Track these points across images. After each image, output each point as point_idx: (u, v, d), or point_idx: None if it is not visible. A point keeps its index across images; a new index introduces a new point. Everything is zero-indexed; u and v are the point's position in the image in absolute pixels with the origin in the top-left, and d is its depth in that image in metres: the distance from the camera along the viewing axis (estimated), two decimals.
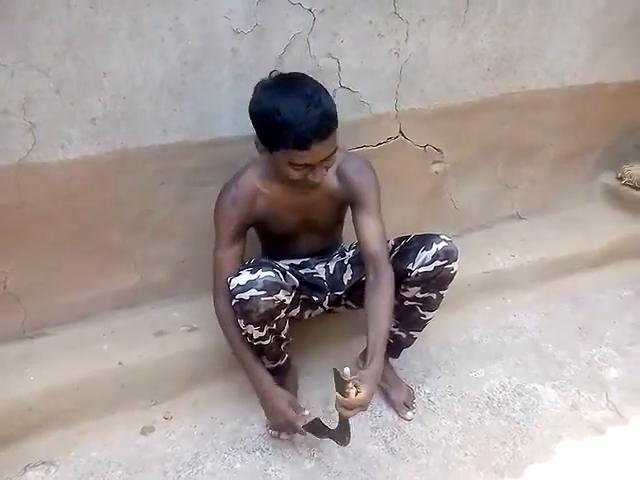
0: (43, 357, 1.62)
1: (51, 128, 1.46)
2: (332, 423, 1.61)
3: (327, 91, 1.29)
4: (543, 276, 2.24)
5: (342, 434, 1.37)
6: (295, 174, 1.31)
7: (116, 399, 1.61)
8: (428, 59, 1.86)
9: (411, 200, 2.12)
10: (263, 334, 1.41)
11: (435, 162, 2.10)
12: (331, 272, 1.67)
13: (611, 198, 2.59)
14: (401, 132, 1.93)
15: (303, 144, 1.22)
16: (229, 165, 1.66)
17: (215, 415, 1.65)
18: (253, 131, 1.64)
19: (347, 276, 1.64)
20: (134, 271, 1.76)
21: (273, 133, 1.25)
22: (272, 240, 1.63)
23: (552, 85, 2.18)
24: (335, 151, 1.32)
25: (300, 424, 1.44)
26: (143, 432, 1.59)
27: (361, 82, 1.77)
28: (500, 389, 1.78)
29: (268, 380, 1.47)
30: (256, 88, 1.31)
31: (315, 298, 1.61)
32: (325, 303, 1.65)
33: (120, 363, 1.61)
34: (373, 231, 1.46)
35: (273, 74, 1.32)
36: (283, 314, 1.41)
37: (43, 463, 1.50)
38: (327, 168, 1.36)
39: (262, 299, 1.31)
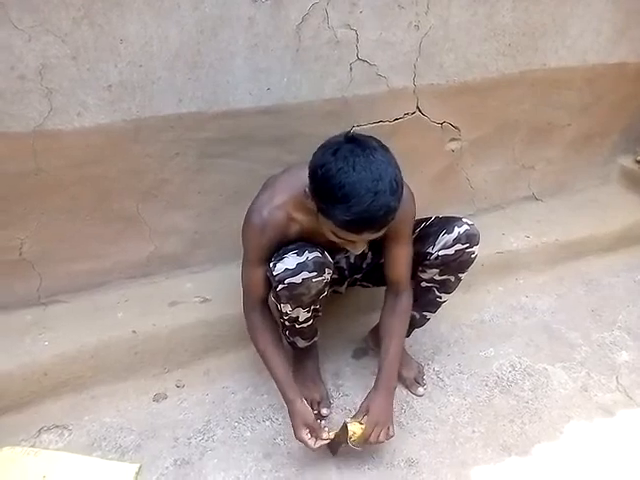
0: (58, 323, 1.65)
1: (67, 95, 1.45)
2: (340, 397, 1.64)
3: (399, 169, 1.15)
4: (557, 258, 2.23)
5: (336, 445, 1.43)
6: (335, 239, 1.22)
7: (129, 366, 1.63)
8: (448, 32, 1.82)
9: (426, 178, 2.10)
10: (309, 315, 1.42)
11: (452, 140, 2.07)
12: (352, 261, 1.64)
13: (628, 181, 2.56)
14: (418, 108, 1.90)
15: (354, 230, 1.14)
16: (244, 137, 1.66)
17: (226, 384, 1.67)
18: (268, 103, 1.65)
19: (367, 261, 1.64)
20: (149, 241, 1.77)
21: (328, 203, 1.12)
22: None
23: (573, 63, 2.13)
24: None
25: (312, 444, 1.37)
26: (155, 399, 1.62)
27: (379, 55, 1.73)
28: (510, 368, 1.78)
29: (293, 395, 1.40)
30: (325, 146, 1.16)
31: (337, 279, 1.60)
32: (343, 287, 1.66)
33: (134, 331, 1.63)
34: (401, 260, 1.45)
35: (350, 133, 1.17)
36: (326, 291, 1.41)
37: (57, 427, 1.53)
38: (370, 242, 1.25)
39: (313, 280, 1.30)
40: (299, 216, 1.33)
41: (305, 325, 1.46)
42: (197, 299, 1.77)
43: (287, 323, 1.46)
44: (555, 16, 2.00)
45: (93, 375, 1.60)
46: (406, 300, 1.49)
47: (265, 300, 1.44)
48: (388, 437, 1.41)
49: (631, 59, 2.27)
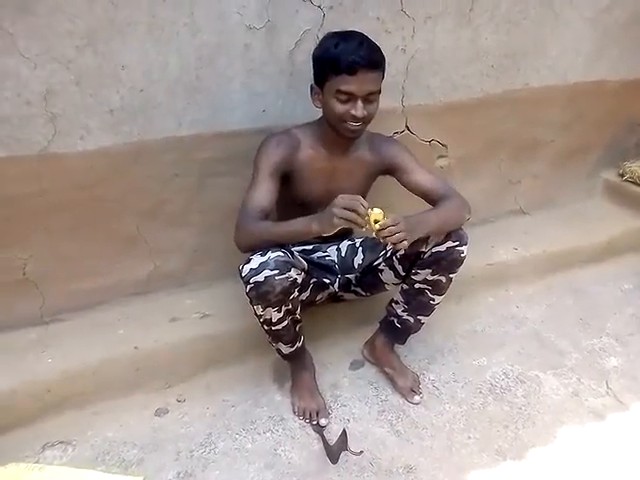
0: (61, 341, 1.68)
1: (71, 119, 1.52)
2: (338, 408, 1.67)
3: (380, 48, 1.45)
4: (545, 269, 2.29)
5: (336, 453, 1.44)
6: (340, 107, 1.42)
7: (131, 382, 1.66)
8: (434, 56, 1.91)
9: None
10: (281, 315, 1.45)
11: (440, 157, 2.16)
12: (343, 255, 1.73)
13: (612, 194, 2.65)
14: (407, 127, 1.99)
15: (352, 67, 1.37)
16: (241, 157, 1.72)
17: (227, 398, 1.70)
18: (264, 124, 1.72)
19: (358, 260, 1.71)
20: (149, 259, 1.82)
21: (329, 62, 1.40)
22: (291, 212, 1.65)
23: (554, 82, 2.24)
24: (378, 94, 1.45)
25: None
26: (157, 414, 1.64)
27: None
28: (503, 376, 1.83)
29: (307, 220, 1.38)
30: (321, 39, 1.50)
31: (326, 280, 1.67)
32: (336, 285, 1.71)
33: (135, 347, 1.66)
34: (430, 180, 1.59)
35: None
36: (296, 293, 1.46)
37: (61, 442, 1.55)
38: (368, 113, 1.44)
39: (276, 278, 1.35)
40: (307, 144, 1.56)
41: (280, 327, 1.49)
42: (197, 315, 1.80)
43: (265, 327, 1.50)
44: (535, 37, 2.11)
45: (96, 391, 1.62)
46: (457, 197, 1.58)
47: (264, 213, 1.45)
48: (401, 240, 1.30)
49: (610, 77, 2.38)
